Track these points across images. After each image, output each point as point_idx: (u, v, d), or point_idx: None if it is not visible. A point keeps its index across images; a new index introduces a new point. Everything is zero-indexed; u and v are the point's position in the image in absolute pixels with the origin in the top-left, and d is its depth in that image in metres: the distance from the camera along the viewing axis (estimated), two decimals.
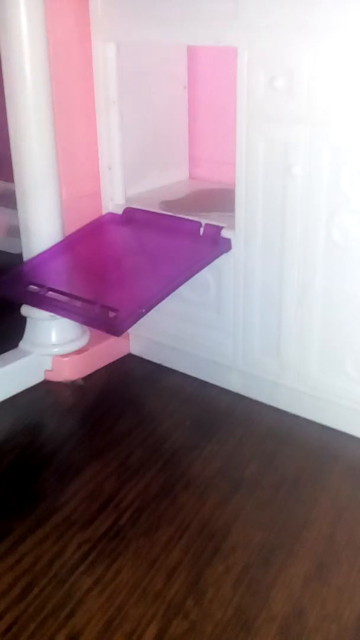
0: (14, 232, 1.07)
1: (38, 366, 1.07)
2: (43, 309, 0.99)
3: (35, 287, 0.98)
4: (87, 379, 1.08)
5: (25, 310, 1.05)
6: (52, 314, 1.00)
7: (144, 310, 0.88)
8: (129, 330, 1.08)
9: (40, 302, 0.97)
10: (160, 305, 0.91)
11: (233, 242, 0.96)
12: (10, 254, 1.44)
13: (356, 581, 0.71)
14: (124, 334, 1.02)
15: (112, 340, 1.11)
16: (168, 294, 0.92)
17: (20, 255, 1.06)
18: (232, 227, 0.95)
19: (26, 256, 1.05)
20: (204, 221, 0.98)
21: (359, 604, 0.68)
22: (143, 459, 0.89)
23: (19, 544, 0.75)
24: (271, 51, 0.83)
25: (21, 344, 1.08)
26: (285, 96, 0.84)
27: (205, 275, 0.99)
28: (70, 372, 1.08)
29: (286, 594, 0.69)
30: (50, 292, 0.96)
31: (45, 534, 0.77)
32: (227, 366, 1.04)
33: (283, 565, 0.73)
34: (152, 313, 0.90)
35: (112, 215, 1.09)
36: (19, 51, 0.92)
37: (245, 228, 0.94)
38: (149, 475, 0.86)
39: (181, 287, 0.94)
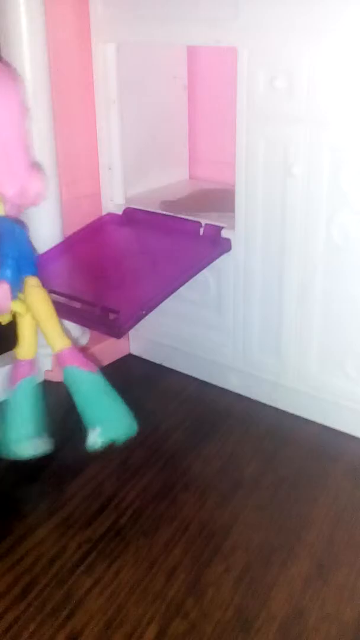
0: None
1: (38, 366, 1.07)
2: None
3: None
4: None
5: None
6: None
7: (144, 312, 0.88)
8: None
9: None
10: (160, 305, 0.91)
11: (233, 242, 0.96)
12: None
13: (356, 581, 0.71)
14: None
15: (112, 340, 1.11)
16: (169, 294, 0.92)
17: None
18: (232, 227, 0.95)
19: None
20: (204, 221, 0.98)
21: (359, 604, 0.68)
22: (143, 459, 0.89)
23: (19, 544, 0.76)
24: (271, 51, 0.83)
25: None
26: (285, 96, 0.84)
27: (205, 275, 0.99)
28: None
29: (286, 594, 0.69)
30: (50, 294, 0.95)
31: (45, 534, 0.77)
32: (227, 366, 1.04)
33: (283, 565, 0.73)
34: (152, 313, 0.90)
35: (112, 215, 1.09)
36: (19, 51, 0.92)
37: (245, 228, 0.94)
38: (149, 475, 0.86)
39: (181, 287, 0.94)
